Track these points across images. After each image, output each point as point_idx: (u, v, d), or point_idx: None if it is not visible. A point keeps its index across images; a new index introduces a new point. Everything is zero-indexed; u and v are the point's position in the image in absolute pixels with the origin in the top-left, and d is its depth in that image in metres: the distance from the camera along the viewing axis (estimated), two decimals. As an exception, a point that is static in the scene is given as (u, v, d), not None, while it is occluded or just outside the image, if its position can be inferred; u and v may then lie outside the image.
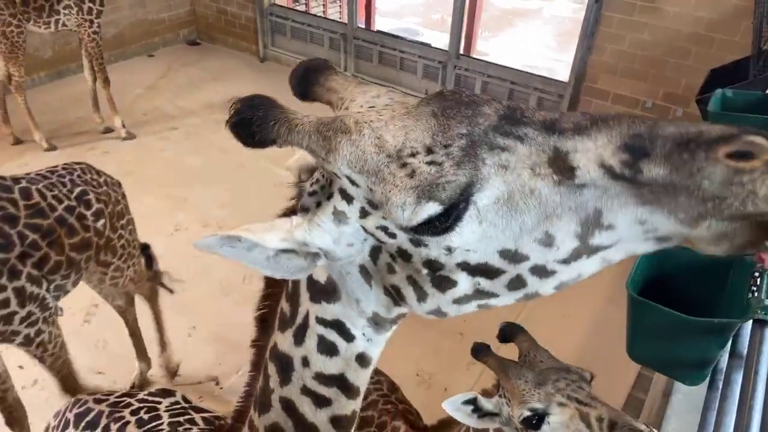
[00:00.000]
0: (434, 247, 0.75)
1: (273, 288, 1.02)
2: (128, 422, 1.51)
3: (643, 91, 5.64)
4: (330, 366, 0.95)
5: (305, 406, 0.98)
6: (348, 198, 0.80)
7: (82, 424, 1.58)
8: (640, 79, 5.60)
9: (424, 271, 0.78)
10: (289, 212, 0.90)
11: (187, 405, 1.58)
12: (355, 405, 1.01)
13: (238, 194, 5.38)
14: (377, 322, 0.92)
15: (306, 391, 0.97)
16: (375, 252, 0.83)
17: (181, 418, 1.48)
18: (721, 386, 1.04)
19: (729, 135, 0.62)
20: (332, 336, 0.93)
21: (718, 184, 0.61)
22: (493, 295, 0.77)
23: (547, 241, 0.70)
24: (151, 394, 1.65)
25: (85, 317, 4.03)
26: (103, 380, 3.58)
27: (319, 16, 8.08)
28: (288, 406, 1.00)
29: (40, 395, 3.41)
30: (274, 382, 1.00)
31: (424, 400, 3.59)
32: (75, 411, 1.63)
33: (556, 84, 6.11)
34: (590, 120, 0.69)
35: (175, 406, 1.54)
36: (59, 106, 6.54)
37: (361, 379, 0.98)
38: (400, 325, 0.97)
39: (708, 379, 1.13)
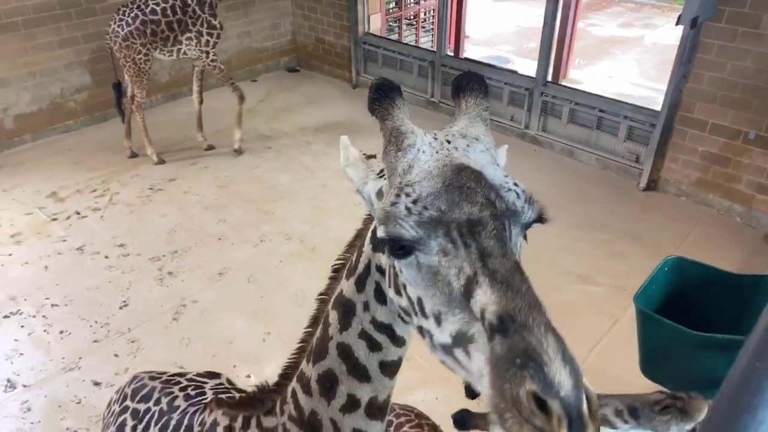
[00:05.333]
0: (384, 260, 1.00)
1: (357, 240, 1.23)
2: (177, 396, 1.68)
3: (745, 122, 5.27)
4: (382, 314, 1.15)
5: (360, 350, 1.18)
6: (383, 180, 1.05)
7: (138, 397, 1.78)
8: (741, 108, 5.24)
9: (391, 270, 1.01)
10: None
11: (229, 386, 1.73)
12: (401, 352, 1.21)
13: (321, 212, 5.64)
14: None
15: (363, 334, 1.18)
16: None
17: (224, 396, 1.63)
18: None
19: (547, 388, 0.73)
20: (383, 285, 1.12)
21: (515, 395, 0.74)
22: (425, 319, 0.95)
23: (438, 320, 0.90)
24: (199, 375, 1.83)
25: (174, 315, 4.40)
26: (184, 374, 3.89)
27: (410, 45, 8.34)
28: (344, 351, 1.20)
29: None
30: (334, 329, 1.21)
31: None
32: (132, 386, 1.84)
33: (647, 113, 5.85)
34: (503, 281, 0.84)
35: (219, 386, 1.69)
36: (171, 125, 7.24)
37: (405, 331, 1.18)
38: None
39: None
